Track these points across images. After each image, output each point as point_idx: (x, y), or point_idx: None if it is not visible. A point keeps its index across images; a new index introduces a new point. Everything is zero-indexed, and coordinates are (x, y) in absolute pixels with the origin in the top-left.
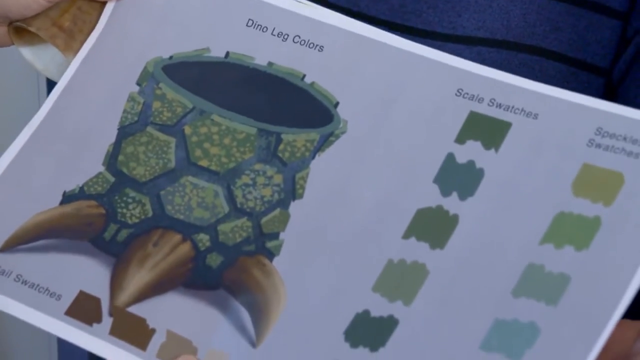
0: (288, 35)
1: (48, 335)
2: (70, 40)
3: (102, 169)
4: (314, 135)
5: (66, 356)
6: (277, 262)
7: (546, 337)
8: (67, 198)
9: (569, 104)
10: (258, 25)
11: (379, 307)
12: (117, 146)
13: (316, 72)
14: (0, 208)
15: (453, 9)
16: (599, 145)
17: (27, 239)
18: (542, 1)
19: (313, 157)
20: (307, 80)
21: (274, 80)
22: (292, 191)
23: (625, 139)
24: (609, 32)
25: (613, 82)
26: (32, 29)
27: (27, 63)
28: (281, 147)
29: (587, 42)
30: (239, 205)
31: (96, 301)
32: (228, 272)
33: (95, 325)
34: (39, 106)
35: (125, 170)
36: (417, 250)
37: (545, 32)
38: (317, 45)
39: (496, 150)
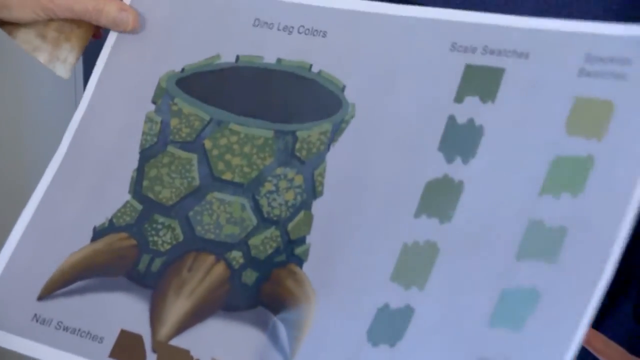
0: (293, 28)
1: None
2: (56, 49)
3: (128, 197)
4: (327, 126)
5: None
6: (307, 268)
7: (546, 300)
8: (98, 233)
9: (557, 34)
10: (264, 23)
11: (397, 298)
12: (140, 171)
13: (322, 60)
14: (34, 255)
15: None
16: (588, 74)
17: (64, 283)
18: None
19: (328, 149)
20: (315, 69)
21: (283, 76)
22: (312, 190)
23: (612, 60)
24: None
25: None
26: (16, 40)
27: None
28: (298, 145)
29: None
30: (265, 215)
31: (138, 339)
32: (264, 287)
33: None
34: (76, 106)
35: (151, 195)
36: (428, 229)
37: None
38: (320, 31)
39: (493, 101)
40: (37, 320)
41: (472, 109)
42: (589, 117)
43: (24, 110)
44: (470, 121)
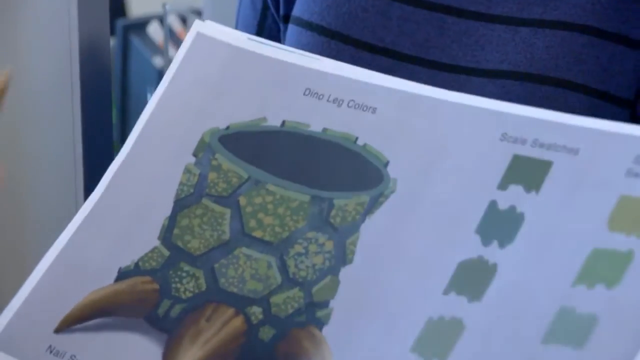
0: (343, 101)
1: None
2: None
3: (157, 243)
4: (364, 198)
5: None
6: (327, 331)
7: None
8: (123, 275)
9: (608, 135)
10: (315, 93)
11: None
12: (172, 219)
13: (368, 134)
14: (57, 288)
15: (476, 43)
16: (636, 175)
17: (82, 318)
18: (564, 34)
19: (363, 221)
20: (360, 142)
21: (327, 146)
22: (342, 257)
23: None
24: (632, 63)
25: (638, 113)
26: None
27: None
28: (333, 212)
29: (610, 74)
30: (291, 276)
31: None
32: (280, 345)
33: None
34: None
35: (180, 244)
36: (456, 306)
37: (568, 64)
38: (370, 107)
39: (537, 192)
40: (51, 352)
41: (515, 196)
42: (633, 215)
43: (18, 110)
44: (512, 208)
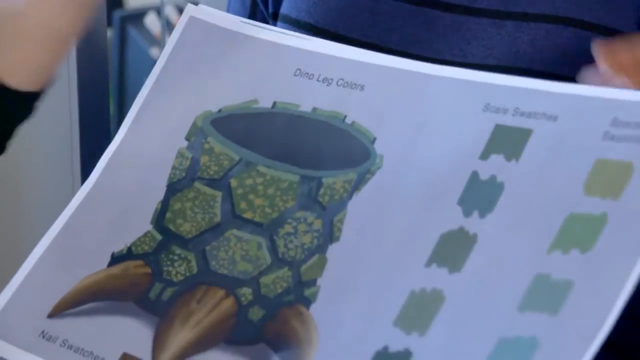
0: (332, 80)
1: None
2: None
3: (150, 227)
4: (352, 175)
5: None
6: (314, 309)
7: (544, 349)
8: (115, 259)
9: (586, 99)
10: (305, 73)
11: (397, 341)
12: (165, 204)
13: (356, 112)
14: (50, 273)
15: (463, 37)
16: (612, 137)
17: (74, 304)
18: (549, 27)
19: (350, 198)
20: (348, 120)
21: (316, 125)
22: (329, 235)
23: (638, 125)
24: None
25: None
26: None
27: None
28: (322, 191)
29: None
30: (280, 256)
31: None
32: (269, 325)
33: None
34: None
35: (172, 227)
36: (437, 277)
37: (553, 58)
38: (358, 85)
39: (517, 160)
40: (43, 337)
41: (495, 166)
42: (608, 178)
43: None
44: (492, 177)
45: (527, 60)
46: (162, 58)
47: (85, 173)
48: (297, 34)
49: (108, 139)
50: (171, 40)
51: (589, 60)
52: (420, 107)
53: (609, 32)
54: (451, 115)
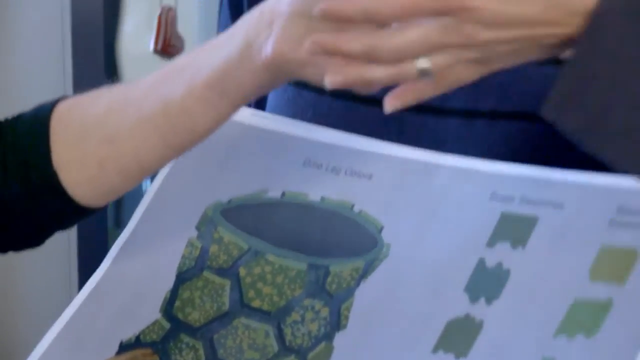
0: (341, 169)
1: None
2: None
3: (158, 315)
4: (359, 263)
5: None
6: None
7: None
8: (124, 347)
9: (592, 187)
10: (314, 163)
11: None
12: (174, 292)
13: (364, 201)
14: None
15: (435, 138)
16: (618, 224)
17: None
18: (521, 124)
19: (357, 285)
20: (356, 209)
21: (325, 214)
22: (336, 323)
23: None
24: None
25: None
26: None
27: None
28: (329, 279)
29: (570, 161)
30: (287, 344)
31: None
32: None
33: None
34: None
35: (180, 316)
36: None
37: (527, 155)
38: (366, 174)
39: (523, 247)
40: None
41: (502, 253)
42: (613, 264)
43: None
44: (499, 265)
45: (500, 159)
46: None
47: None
48: (306, 124)
49: None
50: None
51: (564, 155)
52: (427, 196)
53: None
54: (458, 204)
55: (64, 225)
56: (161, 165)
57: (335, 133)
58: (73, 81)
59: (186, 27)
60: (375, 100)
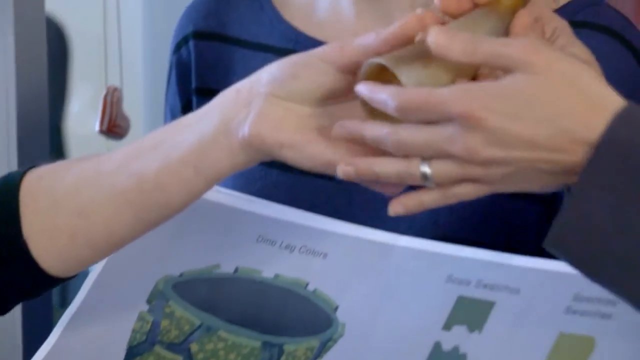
0: (295, 247)
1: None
2: None
3: None
4: (314, 342)
5: None
6: None
7: None
8: None
9: (548, 274)
10: (267, 240)
11: None
12: None
13: (319, 279)
14: None
15: (383, 210)
16: (575, 312)
17: None
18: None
19: None
20: (310, 287)
21: (279, 291)
22: None
23: (600, 300)
24: (535, 217)
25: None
26: None
27: None
28: (283, 358)
29: (514, 229)
30: None
31: None
32: None
33: None
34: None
35: None
36: None
37: (472, 225)
38: (321, 252)
39: (480, 331)
40: None
41: (458, 337)
42: (570, 352)
43: None
44: (455, 348)
45: (447, 230)
46: None
47: None
48: (259, 200)
49: None
50: None
51: (507, 223)
52: (383, 277)
53: (525, 196)
54: (414, 286)
55: (31, 294)
56: (133, 238)
57: (289, 210)
58: (18, 161)
59: (132, 107)
60: (323, 174)
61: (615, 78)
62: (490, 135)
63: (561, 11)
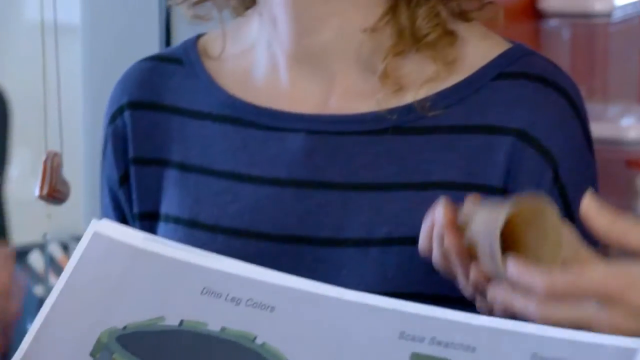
0: (241, 300)
1: None
2: None
3: None
4: None
5: None
6: None
7: None
8: None
9: (505, 333)
10: (213, 292)
11: None
12: None
13: (267, 333)
14: None
15: (332, 269)
16: None
17: None
18: (413, 249)
19: None
20: (258, 341)
21: (226, 345)
22: None
23: None
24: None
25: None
26: None
27: None
28: None
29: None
30: None
31: None
32: None
33: None
34: None
35: None
36: None
37: (418, 278)
38: (268, 306)
39: None
40: None
41: None
42: None
43: None
44: None
45: (395, 285)
46: (65, 273)
47: None
48: (204, 252)
49: None
50: (74, 256)
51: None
52: (334, 332)
53: (479, 188)
54: (366, 342)
55: None
56: None
57: (235, 263)
58: None
59: (72, 172)
60: (269, 236)
61: (550, 124)
62: (632, 309)
63: (498, 61)
